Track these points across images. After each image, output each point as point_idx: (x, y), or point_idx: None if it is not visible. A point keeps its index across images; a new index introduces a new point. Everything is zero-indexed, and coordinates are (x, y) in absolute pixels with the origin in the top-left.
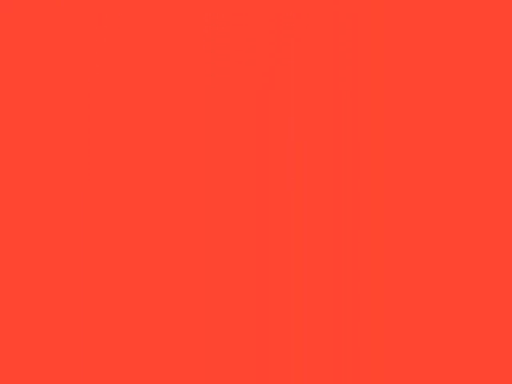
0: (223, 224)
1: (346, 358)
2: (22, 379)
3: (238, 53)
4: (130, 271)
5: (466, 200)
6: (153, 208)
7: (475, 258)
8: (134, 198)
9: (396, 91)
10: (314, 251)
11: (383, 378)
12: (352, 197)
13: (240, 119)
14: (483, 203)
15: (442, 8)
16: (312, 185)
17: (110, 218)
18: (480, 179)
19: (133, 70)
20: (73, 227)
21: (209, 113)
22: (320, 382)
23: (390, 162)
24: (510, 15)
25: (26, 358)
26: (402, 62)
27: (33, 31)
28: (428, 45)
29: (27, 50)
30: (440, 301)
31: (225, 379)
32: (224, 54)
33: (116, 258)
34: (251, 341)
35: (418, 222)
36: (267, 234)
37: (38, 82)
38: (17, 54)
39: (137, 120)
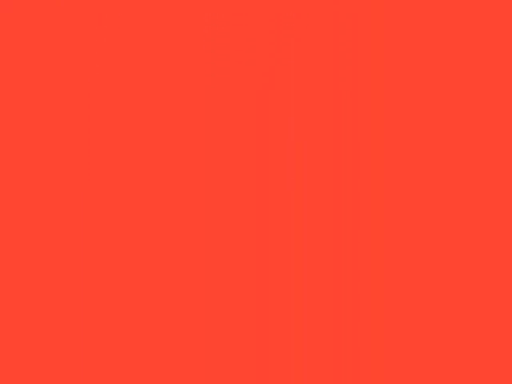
0: (223, 223)
1: (346, 357)
2: (22, 379)
3: (238, 53)
4: (130, 271)
5: (466, 200)
6: (153, 207)
7: (475, 258)
8: (134, 197)
9: (396, 91)
10: (314, 251)
11: (383, 378)
12: (352, 196)
13: (240, 119)
14: (483, 203)
15: (442, 8)
16: (312, 184)
17: (109, 218)
18: (480, 179)
19: (133, 70)
20: (73, 227)
21: (209, 112)
22: (320, 382)
23: (390, 161)
24: (510, 15)
25: (26, 358)
26: (402, 62)
27: (33, 31)
28: (428, 45)
29: (27, 50)
30: (440, 301)
31: (225, 379)
32: (224, 54)
33: (116, 257)
34: (251, 341)
35: (417, 221)
36: (267, 234)
37: (38, 82)
38: (17, 54)
39: (137, 119)
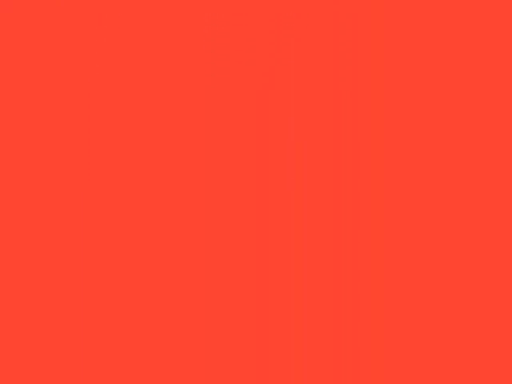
0: (223, 223)
1: (346, 357)
2: (22, 379)
3: (238, 53)
4: (130, 271)
5: (466, 199)
6: (153, 207)
7: (475, 258)
8: (134, 197)
9: (396, 91)
10: (313, 251)
11: (383, 378)
12: (352, 196)
13: (240, 119)
14: (483, 203)
15: (442, 8)
16: (312, 184)
17: (109, 218)
18: (480, 179)
19: (133, 70)
20: (73, 227)
21: (209, 112)
22: (320, 382)
23: (389, 161)
24: (510, 15)
25: (26, 358)
26: (402, 62)
27: (33, 31)
28: (428, 44)
29: (27, 50)
30: (440, 300)
31: (225, 379)
32: (224, 54)
33: (116, 257)
34: (251, 340)
35: (417, 221)
36: (267, 234)
37: (38, 82)
38: (17, 54)
39: (137, 119)
